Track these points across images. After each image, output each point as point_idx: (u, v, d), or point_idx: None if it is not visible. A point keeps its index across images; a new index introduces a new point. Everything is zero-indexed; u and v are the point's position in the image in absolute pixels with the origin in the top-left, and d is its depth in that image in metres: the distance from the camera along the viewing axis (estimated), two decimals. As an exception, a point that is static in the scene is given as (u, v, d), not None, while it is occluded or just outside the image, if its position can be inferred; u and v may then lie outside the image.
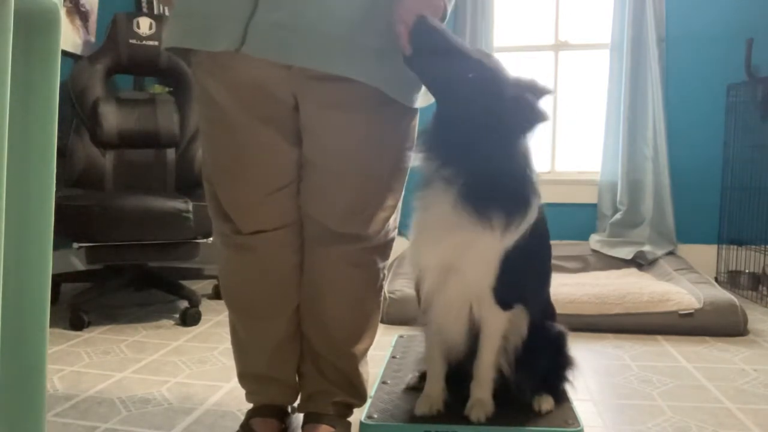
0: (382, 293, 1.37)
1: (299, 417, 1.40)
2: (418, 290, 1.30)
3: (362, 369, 1.36)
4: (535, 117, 1.13)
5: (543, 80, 1.16)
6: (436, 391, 1.31)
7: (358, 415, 1.33)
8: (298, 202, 1.26)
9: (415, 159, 1.19)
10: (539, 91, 1.15)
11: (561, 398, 1.36)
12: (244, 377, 1.39)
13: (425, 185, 1.18)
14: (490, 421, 1.25)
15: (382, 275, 1.33)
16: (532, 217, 1.16)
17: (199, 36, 1.13)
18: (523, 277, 1.22)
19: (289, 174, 1.24)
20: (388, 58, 1.13)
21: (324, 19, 1.08)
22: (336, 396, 1.34)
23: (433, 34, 1.08)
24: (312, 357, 1.34)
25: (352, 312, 1.31)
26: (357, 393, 1.36)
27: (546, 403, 1.32)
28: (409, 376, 1.49)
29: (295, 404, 1.41)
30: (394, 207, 1.29)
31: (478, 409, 1.25)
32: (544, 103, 1.15)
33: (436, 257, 1.20)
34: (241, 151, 1.21)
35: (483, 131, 1.12)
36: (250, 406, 1.39)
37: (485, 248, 1.16)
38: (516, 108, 1.11)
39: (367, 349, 1.37)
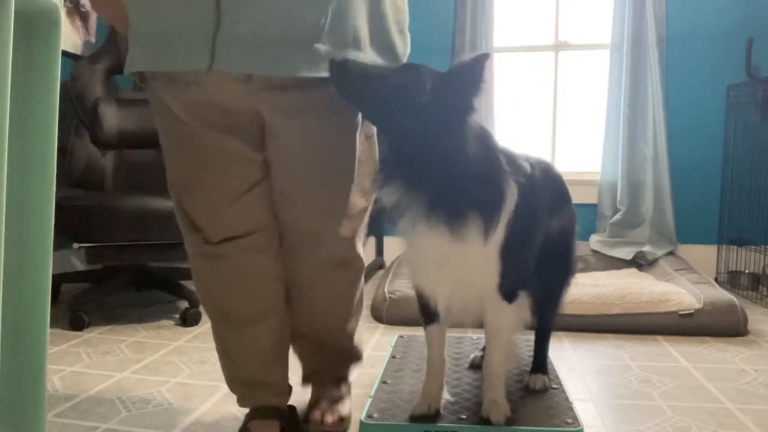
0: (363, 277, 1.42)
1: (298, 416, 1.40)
2: (419, 296, 1.29)
3: (358, 337, 1.44)
4: (472, 89, 1.06)
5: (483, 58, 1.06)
6: (435, 389, 1.31)
7: (357, 415, 1.33)
8: (269, 207, 1.28)
9: (380, 195, 1.14)
10: (474, 64, 1.05)
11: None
12: (233, 382, 1.38)
13: (399, 217, 1.15)
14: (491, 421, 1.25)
15: (362, 264, 1.38)
16: (511, 200, 1.14)
17: (165, 58, 1.13)
18: (522, 255, 1.22)
19: (252, 177, 1.25)
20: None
21: (286, 26, 1.08)
22: (336, 370, 1.44)
23: (345, 68, 1.08)
24: (308, 340, 1.42)
25: (338, 305, 1.39)
26: (355, 358, 1.46)
27: (539, 381, 1.45)
28: (472, 356, 1.64)
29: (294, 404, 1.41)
30: (366, 208, 1.32)
31: (497, 411, 1.26)
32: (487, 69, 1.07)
33: (443, 285, 1.21)
34: (203, 159, 1.23)
35: (425, 140, 1.08)
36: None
37: (483, 256, 1.15)
38: (446, 97, 1.06)
39: (358, 320, 1.44)
